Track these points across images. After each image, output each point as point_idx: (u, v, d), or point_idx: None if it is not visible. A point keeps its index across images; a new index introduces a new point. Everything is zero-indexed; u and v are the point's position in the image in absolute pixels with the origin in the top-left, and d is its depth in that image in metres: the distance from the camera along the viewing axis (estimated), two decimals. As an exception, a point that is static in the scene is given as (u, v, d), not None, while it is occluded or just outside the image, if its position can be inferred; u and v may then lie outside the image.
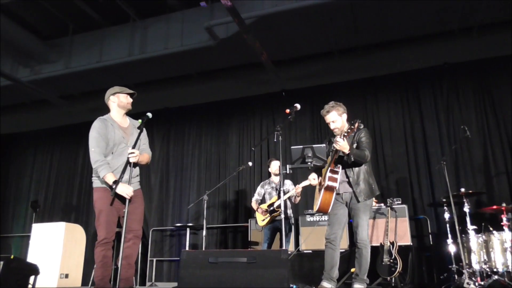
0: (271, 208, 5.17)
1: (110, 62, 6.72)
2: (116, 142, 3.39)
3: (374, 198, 5.49)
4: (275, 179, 5.41)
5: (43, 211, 8.43)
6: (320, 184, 3.82)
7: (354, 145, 3.66)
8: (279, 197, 5.20)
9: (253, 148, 7.19)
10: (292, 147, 3.93)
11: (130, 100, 3.55)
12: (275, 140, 3.63)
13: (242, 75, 7.38)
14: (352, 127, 3.32)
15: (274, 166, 5.41)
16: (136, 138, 3.38)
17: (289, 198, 5.23)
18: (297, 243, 5.86)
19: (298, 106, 3.74)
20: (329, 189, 3.57)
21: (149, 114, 3.39)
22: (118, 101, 3.52)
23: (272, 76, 7.06)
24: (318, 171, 3.94)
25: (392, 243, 5.00)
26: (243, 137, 7.58)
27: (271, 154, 7.13)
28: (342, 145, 3.41)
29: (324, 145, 3.88)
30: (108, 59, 6.75)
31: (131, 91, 3.55)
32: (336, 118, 3.72)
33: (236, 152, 7.53)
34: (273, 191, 5.36)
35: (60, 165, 8.86)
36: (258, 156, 7.30)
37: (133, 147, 3.32)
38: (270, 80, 7.27)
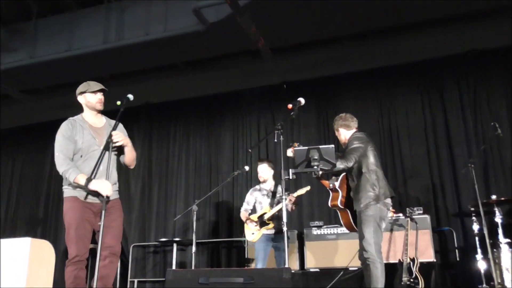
0: (263, 220, 5.11)
1: (82, 51, 6.69)
2: (85, 145, 3.41)
3: (391, 209, 5.52)
4: (266, 185, 5.34)
5: (4, 225, 8.38)
6: None
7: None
8: (272, 207, 5.18)
9: (249, 150, 7.16)
10: (295, 148, 3.93)
11: (99, 98, 3.51)
12: (275, 140, 3.63)
13: (236, 64, 7.37)
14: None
15: (261, 170, 5.32)
16: (112, 128, 3.35)
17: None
18: (301, 260, 5.85)
19: (302, 100, 3.78)
20: (337, 208, 3.96)
21: (130, 96, 3.34)
22: (85, 101, 3.52)
23: (271, 65, 7.05)
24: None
25: (413, 260, 5.01)
26: (238, 137, 7.56)
27: (271, 156, 7.12)
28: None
29: (332, 146, 3.90)
30: (79, 47, 6.71)
31: (98, 87, 3.49)
32: (336, 133, 4.25)
33: (230, 154, 7.51)
34: (264, 199, 5.26)
35: (24, 170, 8.81)
36: (256, 159, 7.27)
37: (109, 137, 3.27)
38: (268, 71, 7.25)
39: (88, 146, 3.42)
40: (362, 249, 3.77)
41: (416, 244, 5.26)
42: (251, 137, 7.46)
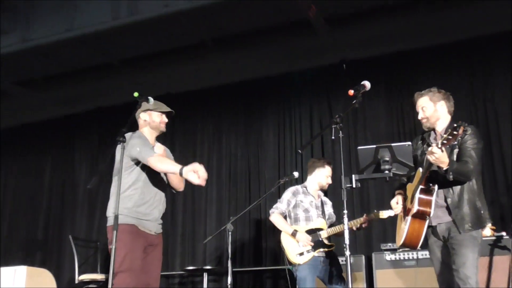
0: (319, 239, 5.06)
1: (86, 30, 6.82)
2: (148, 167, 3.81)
3: (489, 225, 5.34)
4: (313, 190, 5.32)
5: (-4, 249, 8.70)
6: (405, 209, 3.92)
7: (455, 151, 3.76)
8: (329, 225, 5.15)
9: (299, 151, 7.14)
10: (359, 147, 3.88)
11: (165, 120, 4.14)
12: (332, 137, 3.59)
13: (281, 40, 7.35)
14: (455, 132, 3.29)
15: (324, 174, 5.28)
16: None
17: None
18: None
19: (367, 84, 3.72)
20: (420, 216, 3.71)
21: (151, 99, 3.85)
22: (150, 119, 4.09)
23: (325, 40, 7.00)
24: (403, 188, 4.01)
25: (521, 294, 4.87)
26: (285, 135, 7.55)
27: (328, 158, 7.07)
28: (439, 157, 3.45)
29: (409, 143, 3.83)
30: (83, 25, 6.85)
31: (168, 110, 4.13)
32: (428, 104, 3.95)
33: (274, 157, 7.51)
34: (312, 208, 5.22)
35: (19, 181, 9.13)
36: (308, 161, 7.24)
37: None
38: (323, 47, 7.22)
39: (149, 169, 3.83)
40: (459, 279, 3.60)
41: (526, 273, 5.11)
42: (302, 134, 7.44)
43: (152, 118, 4.09)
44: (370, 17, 6.86)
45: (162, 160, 3.74)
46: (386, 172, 3.62)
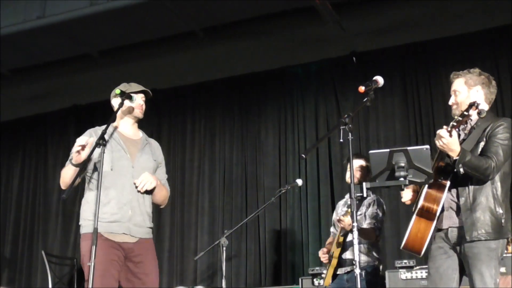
0: (330, 253, 5.03)
1: (60, 17, 6.83)
2: (115, 156, 3.79)
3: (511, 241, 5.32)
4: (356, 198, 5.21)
5: (-43, 267, 8.68)
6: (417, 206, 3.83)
7: (481, 144, 3.67)
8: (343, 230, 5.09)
9: (303, 156, 7.09)
10: (371, 151, 3.88)
11: (140, 103, 3.99)
12: (340, 139, 3.55)
13: (281, 29, 7.36)
14: (466, 113, 3.33)
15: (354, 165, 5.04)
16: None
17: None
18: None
19: (380, 80, 3.72)
20: (426, 214, 3.65)
21: (136, 98, 3.83)
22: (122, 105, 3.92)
23: (332, 29, 7.00)
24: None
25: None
26: (287, 137, 7.55)
27: (335, 164, 7.07)
28: (447, 143, 3.43)
29: (427, 147, 3.82)
30: (57, 12, 6.86)
31: (140, 89, 3.97)
32: (461, 88, 3.84)
33: (274, 162, 7.52)
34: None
35: (-17, 190, 9.10)
36: (313, 167, 7.28)
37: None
38: (330, 37, 7.23)
39: (118, 158, 3.80)
40: None
41: None
42: (306, 135, 7.44)
43: (124, 103, 3.91)
44: (384, 4, 6.87)
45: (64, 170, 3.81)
46: (402, 179, 3.60)
